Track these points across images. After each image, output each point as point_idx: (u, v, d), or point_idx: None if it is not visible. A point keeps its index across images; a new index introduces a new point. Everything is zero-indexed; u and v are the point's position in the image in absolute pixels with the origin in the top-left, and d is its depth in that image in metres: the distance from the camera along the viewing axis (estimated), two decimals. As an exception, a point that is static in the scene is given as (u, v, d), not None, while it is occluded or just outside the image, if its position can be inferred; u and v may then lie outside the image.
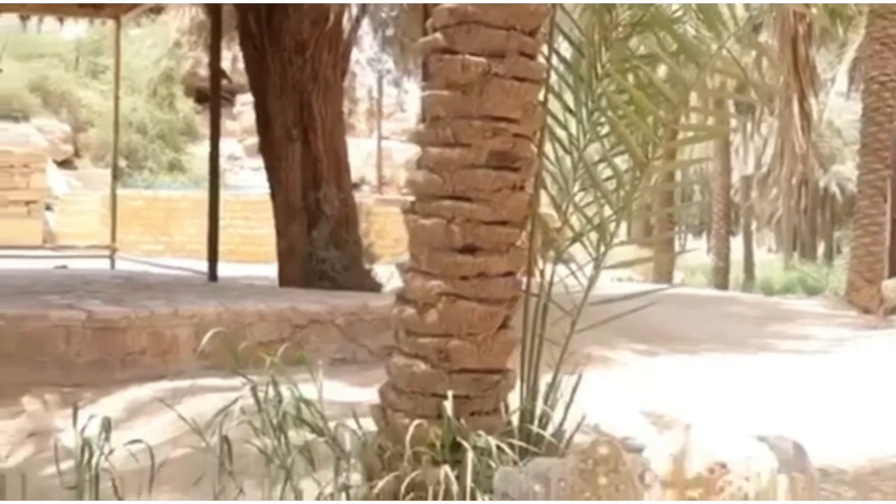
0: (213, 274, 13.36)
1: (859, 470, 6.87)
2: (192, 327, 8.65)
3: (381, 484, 3.59)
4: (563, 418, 3.94)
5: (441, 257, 3.76)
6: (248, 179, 26.02)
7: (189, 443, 5.06)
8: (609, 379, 8.54)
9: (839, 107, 35.87)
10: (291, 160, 12.53)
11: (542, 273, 4.09)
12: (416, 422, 3.60)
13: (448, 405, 3.61)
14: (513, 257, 3.83)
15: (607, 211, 4.01)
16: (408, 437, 3.56)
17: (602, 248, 4.03)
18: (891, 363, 10.81)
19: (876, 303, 14.28)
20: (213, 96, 13.86)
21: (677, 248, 39.09)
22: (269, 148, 12.91)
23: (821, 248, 40.66)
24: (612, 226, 4.01)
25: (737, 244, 34.10)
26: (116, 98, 17.52)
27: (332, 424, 3.80)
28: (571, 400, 4.00)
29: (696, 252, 40.45)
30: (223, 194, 21.78)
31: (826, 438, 7.23)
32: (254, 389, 3.77)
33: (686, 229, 45.60)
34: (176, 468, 5.23)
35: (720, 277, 27.40)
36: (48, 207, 23.42)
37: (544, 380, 4.08)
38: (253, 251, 19.76)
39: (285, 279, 12.36)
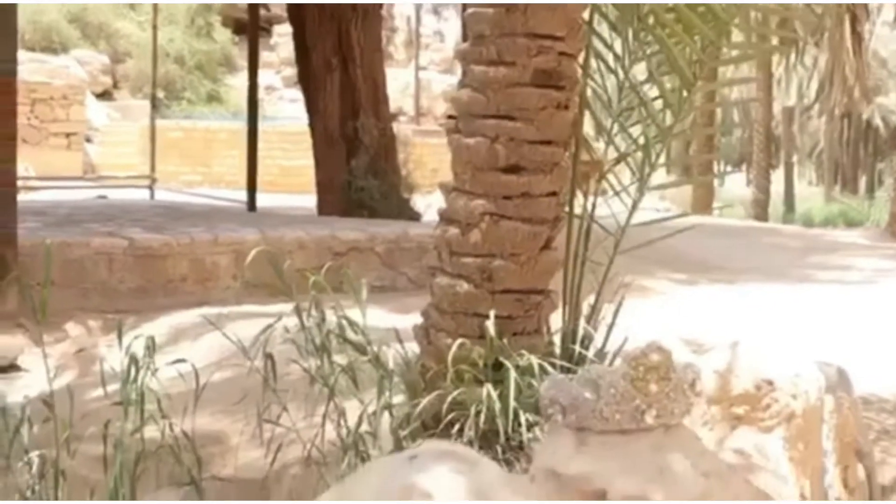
0: (252, 204, 13.40)
1: (901, 398, 6.84)
2: (233, 254, 8.70)
3: (423, 403, 3.60)
4: (606, 339, 3.92)
5: (485, 177, 3.73)
6: (286, 110, 25.96)
7: (232, 366, 5.10)
8: (648, 307, 8.52)
9: (885, 36, 35.16)
10: (330, 89, 12.49)
11: (585, 194, 4.05)
12: (459, 341, 3.60)
13: (490, 325, 3.60)
14: (556, 177, 3.79)
15: (652, 131, 3.96)
16: (450, 356, 3.56)
17: (647, 169, 3.98)
18: (934, 293, 10.70)
19: (919, 234, 14.11)
20: (251, 26, 13.82)
21: (717, 181, 38.72)
22: (308, 77, 12.86)
23: (863, 182, 40.17)
24: (657, 147, 3.96)
25: (777, 177, 33.74)
26: (154, 28, 17.50)
27: (374, 346, 3.80)
28: (614, 321, 3.98)
29: (735, 185, 40.13)
30: (261, 125, 21.78)
31: (868, 367, 7.17)
32: (297, 307, 3.78)
33: (726, 163, 45.13)
34: (219, 391, 5.28)
35: (760, 210, 27.14)
36: (88, 139, 23.52)
37: (586, 301, 4.06)
38: (292, 182, 19.76)
39: (324, 208, 12.36)
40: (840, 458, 3.23)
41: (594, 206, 4.07)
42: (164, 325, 7.59)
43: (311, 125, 13.04)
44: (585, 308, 4.03)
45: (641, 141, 3.98)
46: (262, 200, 13.63)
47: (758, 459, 2.57)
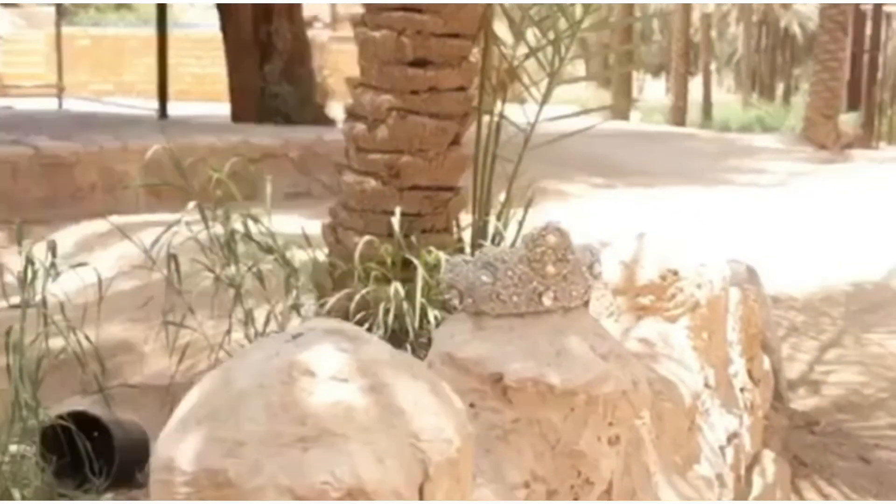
0: (163, 111, 13.11)
1: (810, 296, 6.97)
2: (142, 162, 8.50)
3: (331, 301, 3.54)
4: (517, 236, 3.88)
5: (391, 71, 3.64)
6: (199, 17, 25.34)
7: (140, 276, 4.98)
8: (565, 210, 8.53)
9: (801, -57, 35.28)
10: (243, -6, 12.19)
11: (495, 89, 3.98)
12: (366, 238, 3.54)
13: (396, 221, 3.54)
14: (465, 71, 3.71)
15: (563, 24, 3.88)
16: (357, 254, 3.50)
17: (557, 64, 3.92)
18: (845, 195, 10.90)
19: (832, 138, 14.30)
20: None
21: (636, 89, 38.82)
22: (220, -17, 12.57)
23: (780, 89, 40.57)
24: (566, 41, 3.88)
25: (696, 85, 33.89)
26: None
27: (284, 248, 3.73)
28: (525, 217, 3.94)
29: (655, 93, 40.27)
30: (173, 32, 21.23)
31: (780, 267, 7.30)
32: (200, 206, 3.68)
33: (645, 71, 45.21)
34: (130, 298, 5.17)
35: (678, 117, 27.31)
36: (-8, 48, 22.75)
37: (497, 199, 4.02)
38: (206, 90, 19.35)
39: (238, 115, 12.15)
40: (745, 349, 3.25)
41: (504, 101, 4.00)
42: (73, 235, 7.42)
43: (224, 30, 12.77)
44: (496, 206, 3.98)
45: (551, 35, 3.91)
46: (176, 109, 13.35)
47: (662, 348, 2.56)
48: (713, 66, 39.64)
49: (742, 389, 3.14)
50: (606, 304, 2.78)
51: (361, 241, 3.52)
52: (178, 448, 1.21)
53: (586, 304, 2.80)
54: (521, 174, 4.01)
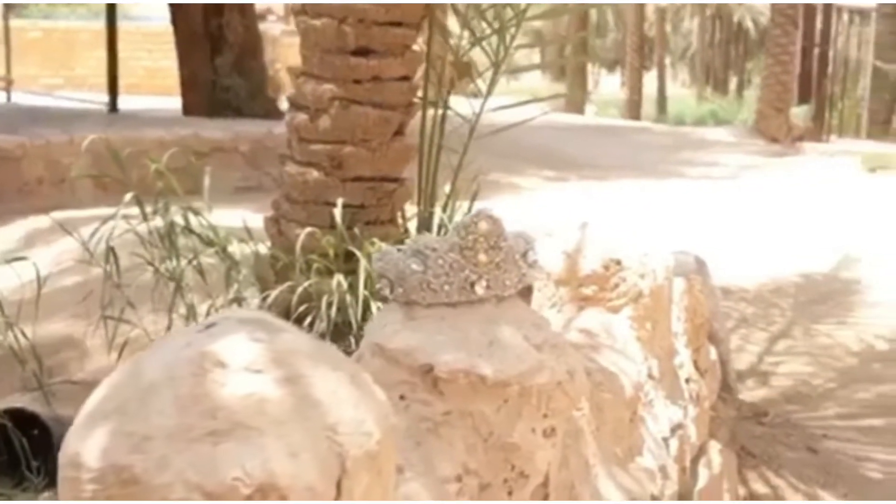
0: (113, 105, 12.97)
1: (760, 287, 7.00)
2: (90, 155, 8.38)
3: (272, 295, 3.48)
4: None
5: (333, 60, 3.58)
6: (152, 11, 25.05)
7: (83, 271, 4.89)
8: (516, 203, 8.51)
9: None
10: (193, -16, 12.09)
11: (440, 78, 3.93)
12: (308, 230, 3.48)
13: (338, 212, 3.49)
14: (408, 60, 3.66)
15: (509, 13, 3.84)
16: (298, 246, 3.44)
17: (502, 53, 3.88)
18: (796, 188, 10.97)
19: (784, 131, 14.39)
20: None
21: (591, 83, 38.93)
22: (171, -27, 12.47)
23: (733, 83, 40.86)
24: (511, 30, 3.84)
25: (651, 79, 34.06)
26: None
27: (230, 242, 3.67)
28: (471, 209, 3.90)
29: (610, 87, 40.43)
30: (125, 25, 20.99)
31: (731, 259, 7.33)
32: (137, 197, 3.61)
33: (601, 65, 45.35)
34: (73, 294, 5.08)
35: (632, 110, 27.43)
36: (-61, 40, 22.36)
37: (443, 190, 3.97)
38: (157, 84, 19.16)
39: (189, 109, 12.05)
40: (691, 339, 3.23)
41: (449, 91, 3.95)
42: (18, 230, 7.30)
43: (174, 23, 12.66)
44: (443, 197, 3.94)
45: (497, 24, 3.86)
46: (127, 103, 13.22)
47: (604, 339, 2.53)
48: (668, 61, 39.86)
49: (687, 380, 3.11)
50: (549, 295, 2.75)
51: (303, 233, 3.46)
52: (84, 443, 1.15)
53: (528, 292, 2.77)
54: (468, 165, 3.97)
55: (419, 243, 1.72)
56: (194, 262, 3.60)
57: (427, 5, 3.69)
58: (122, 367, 1.23)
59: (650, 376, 2.69)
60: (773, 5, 15.31)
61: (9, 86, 15.86)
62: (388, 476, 1.27)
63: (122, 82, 14.92)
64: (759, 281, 7.08)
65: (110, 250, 3.57)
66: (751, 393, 4.97)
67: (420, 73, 3.82)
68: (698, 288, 3.28)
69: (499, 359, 1.68)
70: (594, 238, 2.73)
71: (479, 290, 1.74)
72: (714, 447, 3.27)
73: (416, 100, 3.78)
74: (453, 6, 3.95)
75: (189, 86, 12.21)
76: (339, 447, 1.17)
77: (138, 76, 20.83)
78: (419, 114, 3.90)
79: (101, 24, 18.06)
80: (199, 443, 1.12)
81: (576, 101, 26.09)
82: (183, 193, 3.81)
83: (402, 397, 1.68)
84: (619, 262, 2.69)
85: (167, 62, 15.84)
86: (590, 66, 37.29)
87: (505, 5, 3.78)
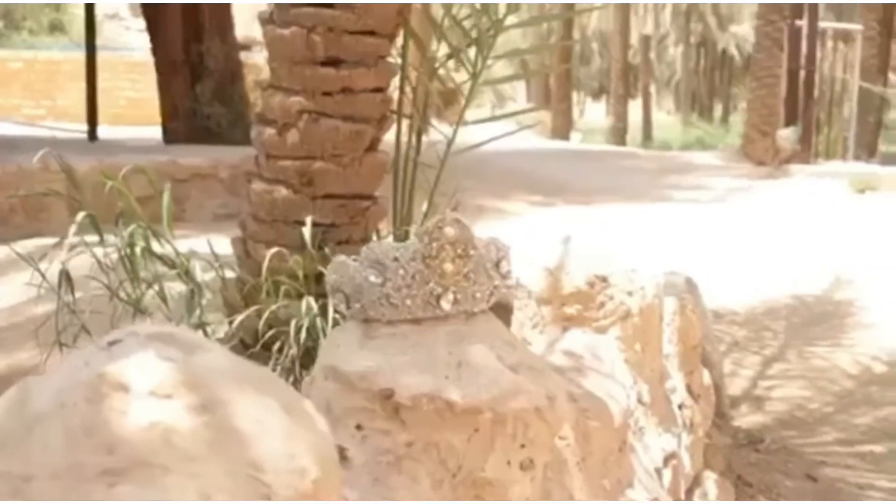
0: (92, 134, 12.82)
1: (752, 310, 6.82)
2: (65, 183, 8.18)
3: (239, 319, 3.27)
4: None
5: (301, 71, 3.38)
6: (134, 41, 24.91)
7: (53, 299, 4.70)
8: (501, 228, 8.33)
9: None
10: (172, 11, 11.97)
11: (415, 91, 3.74)
12: (274, 250, 3.27)
13: (307, 231, 3.28)
14: (381, 71, 3.47)
15: (486, 23, 3.66)
16: (264, 267, 3.23)
17: (480, 64, 3.69)
18: (784, 210, 10.80)
19: (770, 154, 14.25)
20: None
21: (576, 112, 38.96)
22: (149, 2, 12.36)
23: (719, 109, 40.92)
24: (489, 41, 3.65)
25: (636, 107, 34.07)
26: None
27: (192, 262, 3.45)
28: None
29: (595, 115, 40.44)
30: (108, 56, 20.83)
31: (720, 282, 7.15)
32: (91, 216, 3.41)
33: (586, 93, 45.42)
34: (36, 323, 4.87)
35: (618, 138, 27.36)
36: (-81, 72, 22.18)
37: (420, 209, 3.77)
38: (140, 114, 18.97)
39: (170, 137, 11.89)
40: (684, 363, 3.03)
41: (425, 105, 3.76)
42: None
43: (154, 51, 12.52)
44: (419, 216, 3.74)
45: (475, 34, 3.68)
46: (108, 133, 13.12)
47: (589, 361, 2.33)
48: (653, 88, 39.89)
49: (681, 406, 2.91)
50: (530, 315, 2.55)
51: (269, 254, 3.25)
52: (-42, 487, 0.94)
53: (508, 312, 2.57)
54: (445, 183, 3.78)
55: (377, 252, 1.52)
56: (155, 287, 3.38)
57: (400, 12, 3.50)
58: (8, 394, 1.02)
59: (640, 402, 2.49)
60: (758, 28, 15.20)
61: (-12, 116, 15.67)
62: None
63: (106, 113, 14.73)
64: (750, 304, 6.90)
65: (64, 275, 3.36)
66: (745, 419, 4.76)
67: (395, 84, 3.63)
68: (690, 308, 3.08)
69: (468, 382, 1.47)
70: (577, 253, 2.53)
71: (446, 304, 1.53)
72: (709, 477, 3.07)
73: (390, 113, 3.58)
74: (427, 15, 3.77)
75: (170, 114, 12.07)
76: (264, 487, 0.96)
77: (121, 107, 20.73)
78: (394, 129, 3.71)
79: (83, 55, 17.91)
80: (91, 484, 0.92)
81: (561, 128, 26.03)
82: (149, 219, 3.62)
83: (358, 427, 1.47)
84: (604, 279, 2.49)
85: (151, 93, 15.68)
86: (575, 95, 37.32)
87: (482, 14, 3.60)
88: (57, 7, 26.41)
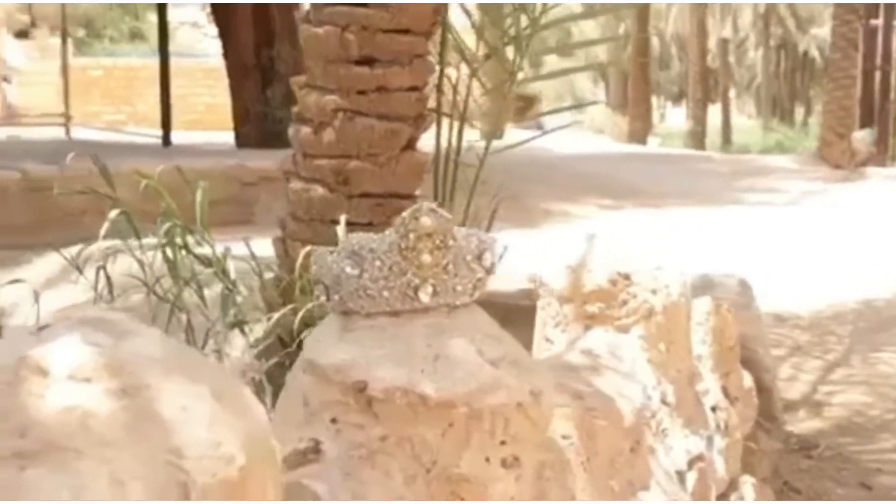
0: (166, 139, 13.01)
1: (817, 314, 6.67)
2: (134, 186, 8.30)
3: (275, 317, 3.27)
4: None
5: (336, 70, 3.38)
6: (211, 48, 25.27)
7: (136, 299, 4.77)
8: (567, 231, 8.26)
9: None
10: (243, 16, 12.13)
11: (455, 89, 3.71)
12: (307, 248, 3.26)
13: (341, 230, 3.27)
14: (417, 70, 3.45)
15: (524, 21, 3.62)
16: (297, 265, 3.23)
17: (518, 62, 3.65)
18: (858, 213, 10.57)
19: (847, 157, 13.97)
20: None
21: (656, 116, 38.66)
22: (220, 7, 12.53)
23: (800, 113, 40.27)
24: (528, 40, 3.61)
25: (716, 112, 33.68)
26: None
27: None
28: (489, 227, 3.67)
29: (675, 120, 40.04)
30: (186, 62, 21.12)
31: (788, 285, 7.02)
32: (126, 214, 3.44)
33: (665, 97, 45.01)
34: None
35: (696, 141, 27.06)
36: (5, 79, 22.77)
37: (462, 209, 3.74)
38: (217, 119, 19.24)
39: (242, 141, 12.03)
40: (719, 363, 2.95)
41: (465, 103, 3.73)
42: (57, 260, 7.20)
43: (226, 55, 12.70)
44: (461, 216, 3.71)
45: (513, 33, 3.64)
46: (185, 137, 13.32)
47: (608, 360, 2.28)
48: (733, 92, 39.40)
49: (714, 408, 2.84)
50: (552, 313, 2.51)
51: (302, 252, 3.24)
52: None
53: (532, 311, 2.53)
54: (485, 184, 3.75)
55: (354, 243, 1.50)
56: (192, 285, 3.40)
57: (436, 10, 3.47)
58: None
59: (664, 402, 2.43)
60: (833, 29, 14.92)
61: (67, 122, 16.01)
62: (262, 499, 1.04)
63: (183, 118, 14.94)
64: (816, 308, 6.74)
65: (100, 269, 3.39)
66: (801, 424, 4.65)
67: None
68: (725, 308, 3.00)
69: (444, 376, 1.44)
70: (600, 250, 2.48)
71: (424, 296, 1.50)
72: (747, 482, 2.99)
73: (428, 112, 3.56)
74: (465, 13, 3.74)
75: (241, 118, 12.22)
76: (181, 473, 0.94)
77: (198, 112, 21.03)
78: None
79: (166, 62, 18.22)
80: (2, 466, 0.91)
81: (638, 132, 25.82)
82: (215, 222, 3.65)
83: (333, 420, 1.45)
84: (627, 277, 2.44)
85: (227, 98, 15.91)
86: (655, 99, 37.02)
87: (520, 13, 3.56)
88: (136, 15, 26.89)
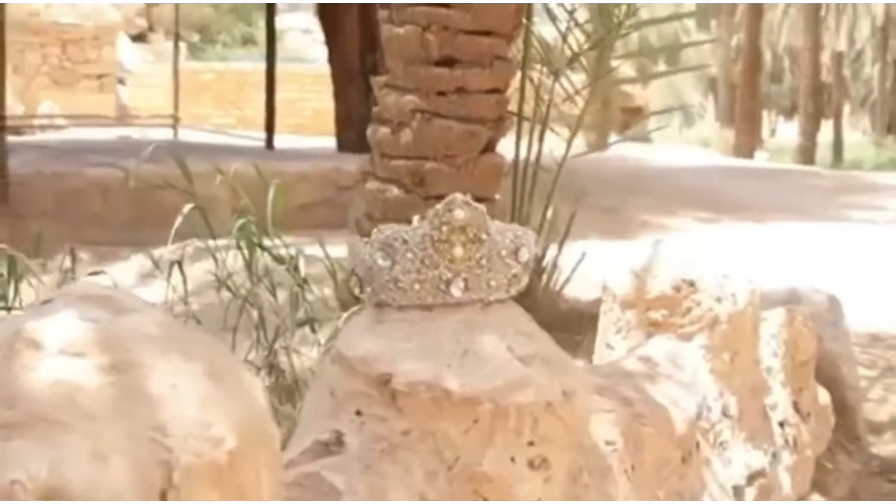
0: (269, 142, 13.18)
1: (916, 336, 6.44)
2: (231, 187, 8.43)
3: (345, 316, 3.27)
4: (558, 253, 3.57)
5: (416, 70, 3.38)
6: (322, 53, 25.57)
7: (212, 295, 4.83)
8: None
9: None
10: (349, 22, 12.23)
11: (538, 92, 3.69)
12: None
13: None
14: (498, 72, 3.43)
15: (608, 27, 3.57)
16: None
17: (601, 67, 3.61)
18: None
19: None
20: None
21: (767, 131, 37.99)
22: (327, 11, 12.66)
23: (918, 131, 39.12)
24: (611, 44, 3.57)
25: (829, 128, 32.93)
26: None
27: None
28: (566, 235, 3.63)
29: (787, 134, 39.25)
30: (296, 68, 21.42)
31: (884, 305, 6.80)
32: (201, 209, 3.48)
33: (777, 111, 44.20)
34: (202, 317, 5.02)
35: (806, 157, 26.47)
36: (121, 81, 23.33)
37: (541, 215, 3.72)
38: (324, 125, 19.40)
39: (343, 145, 12.11)
40: (791, 378, 2.87)
41: (549, 106, 3.70)
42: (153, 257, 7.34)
43: (330, 60, 12.83)
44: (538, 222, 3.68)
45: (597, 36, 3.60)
46: (291, 142, 13.47)
47: (666, 368, 2.22)
48: (848, 108, 38.48)
49: (782, 424, 2.75)
50: (614, 319, 2.46)
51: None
52: None
53: (595, 319, 2.48)
54: (565, 189, 3.71)
55: (387, 234, 1.48)
56: (265, 282, 3.43)
57: (519, 12, 3.45)
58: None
59: (725, 414, 2.37)
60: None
61: (175, 123, 16.35)
62: (257, 496, 1.03)
63: (291, 122, 15.13)
64: (915, 328, 6.51)
65: (174, 264, 3.44)
66: (886, 447, 4.49)
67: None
68: (800, 320, 2.91)
69: (470, 371, 1.42)
70: (666, 256, 2.43)
71: (456, 291, 1.48)
72: (816, 500, 2.89)
73: (508, 115, 3.54)
74: (550, 16, 3.71)
75: (344, 123, 12.30)
76: (165, 451, 0.94)
77: (306, 117, 21.28)
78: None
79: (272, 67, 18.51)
80: (-12, 437, 0.91)
81: (744, 145, 25.37)
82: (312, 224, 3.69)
83: (358, 413, 1.43)
84: (692, 284, 2.39)
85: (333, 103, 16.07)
86: (766, 114, 36.36)
87: (603, 16, 3.52)
88: (249, 21, 27.37)
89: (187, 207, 3.50)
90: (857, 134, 39.53)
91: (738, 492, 2.30)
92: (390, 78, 3.50)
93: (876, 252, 9.05)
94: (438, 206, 1.49)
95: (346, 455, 1.39)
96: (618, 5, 3.54)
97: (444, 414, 1.40)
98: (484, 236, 1.49)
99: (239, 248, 3.43)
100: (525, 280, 1.54)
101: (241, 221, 3.45)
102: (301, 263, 3.33)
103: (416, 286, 1.47)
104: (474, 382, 1.41)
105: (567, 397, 1.49)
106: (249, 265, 3.45)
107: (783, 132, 41.31)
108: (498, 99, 3.46)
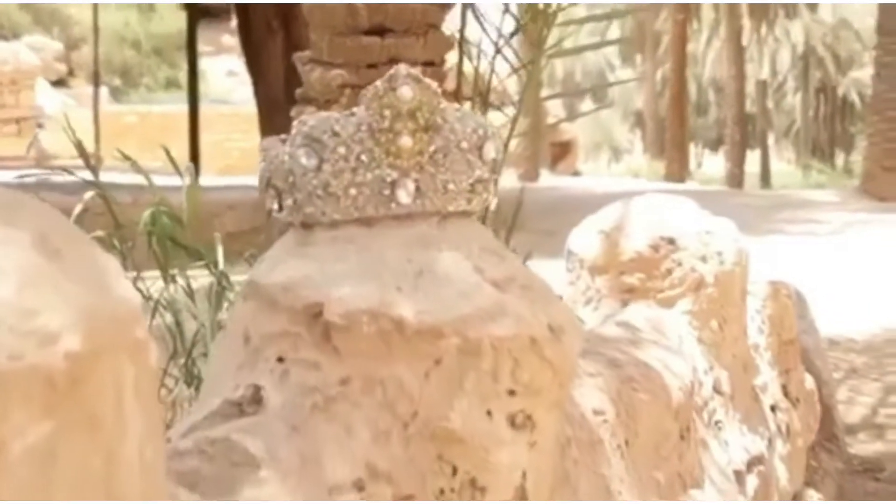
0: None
1: (872, 338, 6.28)
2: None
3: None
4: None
5: (343, 42, 3.04)
6: (249, 95, 25.26)
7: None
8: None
9: (860, 10, 34.80)
10: (273, 51, 11.97)
11: (476, 71, 3.35)
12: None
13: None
14: (433, 43, 3.10)
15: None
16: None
17: (545, 34, 3.28)
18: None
19: (893, 190, 13.48)
20: (189, 10, 13.57)
21: (694, 163, 38.36)
22: (249, 42, 12.42)
23: (840, 159, 39.72)
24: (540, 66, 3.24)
25: (755, 158, 33.32)
26: (95, 7, 16.90)
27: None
28: (513, 221, 3.29)
29: (713, 166, 39.61)
30: (222, 109, 21.19)
31: (836, 311, 6.60)
32: (104, 196, 3.09)
33: (703, 144, 44.69)
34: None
35: (734, 183, 26.67)
36: (40, 126, 22.80)
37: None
38: (253, 164, 19.12)
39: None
40: (778, 358, 2.55)
41: (488, 86, 3.36)
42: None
43: (255, 91, 12.56)
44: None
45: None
46: (219, 181, 13.51)
47: (648, 334, 1.89)
48: (772, 138, 38.94)
49: (773, 408, 2.43)
50: (583, 288, 2.12)
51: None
52: None
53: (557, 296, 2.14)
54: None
55: (312, 125, 1.13)
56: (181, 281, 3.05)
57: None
58: None
59: (717, 391, 2.04)
60: (875, 58, 14.52)
61: (96, 164, 15.87)
62: (119, 434, 0.67)
63: (219, 164, 14.86)
64: (870, 332, 6.35)
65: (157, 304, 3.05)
66: (863, 447, 4.22)
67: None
68: (785, 294, 2.61)
69: (428, 295, 1.06)
70: (640, 212, 2.10)
71: (404, 195, 1.12)
72: (812, 496, 2.57)
73: (445, 92, 3.20)
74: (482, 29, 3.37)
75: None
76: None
77: (233, 157, 21.16)
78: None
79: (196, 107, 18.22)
80: None
81: (674, 175, 25.56)
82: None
83: (280, 359, 1.07)
84: (672, 241, 2.06)
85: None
86: (692, 147, 36.70)
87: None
88: (172, 63, 26.98)
89: (88, 194, 3.10)
90: (783, 163, 40.00)
91: (739, 477, 1.96)
92: (315, 52, 3.14)
93: (819, 261, 8.90)
94: (378, 84, 1.15)
95: (266, 414, 1.03)
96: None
97: (395, 354, 1.04)
98: (439, 121, 1.14)
99: (149, 241, 3.04)
100: (492, 192, 1.19)
101: (150, 210, 3.06)
102: (220, 255, 2.96)
103: (352, 191, 1.11)
104: (434, 310, 1.05)
105: (555, 334, 1.13)
106: (161, 261, 3.07)
107: (709, 164, 41.72)
108: (433, 72, 3.12)
